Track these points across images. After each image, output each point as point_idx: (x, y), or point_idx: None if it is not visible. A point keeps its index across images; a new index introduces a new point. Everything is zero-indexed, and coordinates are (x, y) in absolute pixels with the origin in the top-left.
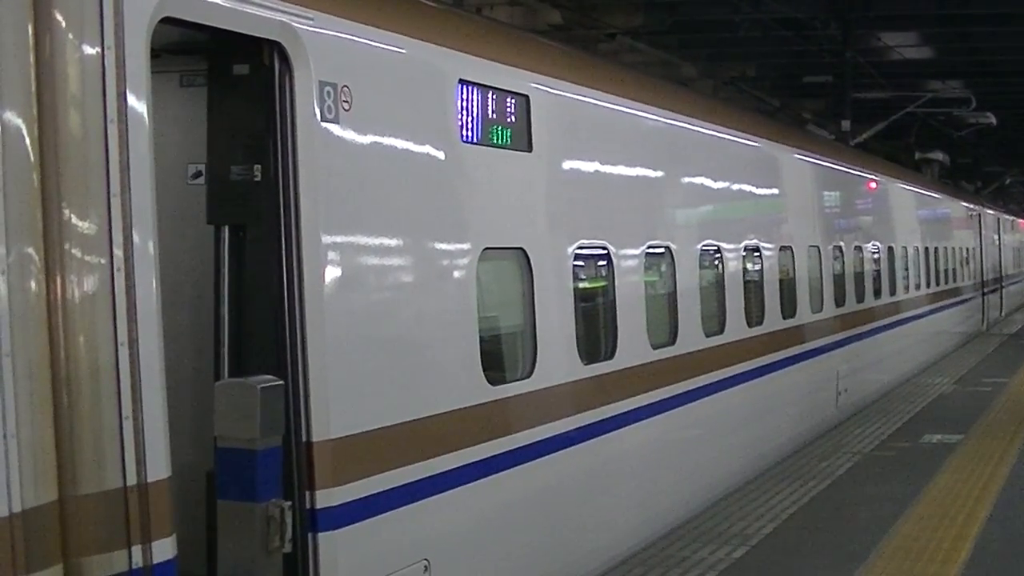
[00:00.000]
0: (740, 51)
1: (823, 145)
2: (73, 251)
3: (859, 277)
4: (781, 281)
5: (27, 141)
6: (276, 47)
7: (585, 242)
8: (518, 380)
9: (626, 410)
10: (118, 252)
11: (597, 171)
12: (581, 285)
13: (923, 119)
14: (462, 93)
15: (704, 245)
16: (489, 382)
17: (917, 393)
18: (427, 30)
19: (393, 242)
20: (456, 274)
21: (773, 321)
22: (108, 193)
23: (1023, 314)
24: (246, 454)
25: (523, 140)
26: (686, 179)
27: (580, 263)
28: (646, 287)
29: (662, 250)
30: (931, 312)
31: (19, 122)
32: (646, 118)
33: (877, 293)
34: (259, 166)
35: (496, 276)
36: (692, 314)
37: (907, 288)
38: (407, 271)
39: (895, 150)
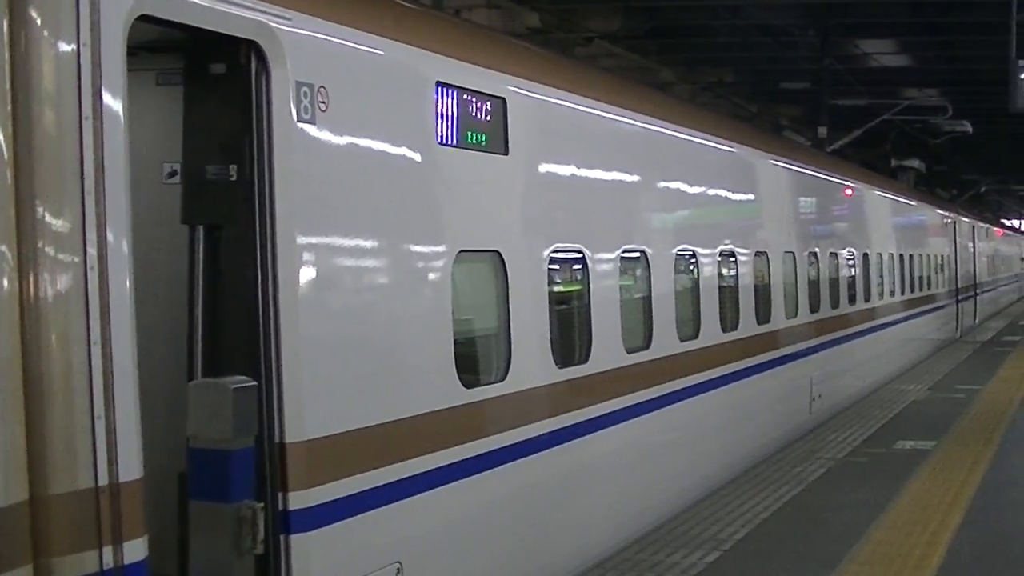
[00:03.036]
0: (718, 56)
1: (799, 151)
2: (46, 249)
3: (834, 283)
4: (756, 287)
5: (0, 138)
6: (253, 47)
7: (560, 246)
8: (492, 383)
9: (600, 414)
10: (92, 251)
11: (573, 175)
12: (556, 289)
13: (899, 126)
14: (439, 95)
15: (679, 250)
16: (463, 385)
17: (891, 399)
18: (405, 32)
19: (368, 243)
20: (431, 276)
21: (748, 326)
22: (82, 191)
23: (997, 322)
24: (219, 455)
25: (499, 143)
26: (662, 183)
27: (555, 267)
28: (621, 291)
29: (637, 255)
30: (906, 319)
31: None
32: (623, 122)
33: (852, 299)
34: (235, 166)
35: (471, 279)
36: (666, 319)
37: (882, 295)
38: (382, 273)
39: (871, 157)
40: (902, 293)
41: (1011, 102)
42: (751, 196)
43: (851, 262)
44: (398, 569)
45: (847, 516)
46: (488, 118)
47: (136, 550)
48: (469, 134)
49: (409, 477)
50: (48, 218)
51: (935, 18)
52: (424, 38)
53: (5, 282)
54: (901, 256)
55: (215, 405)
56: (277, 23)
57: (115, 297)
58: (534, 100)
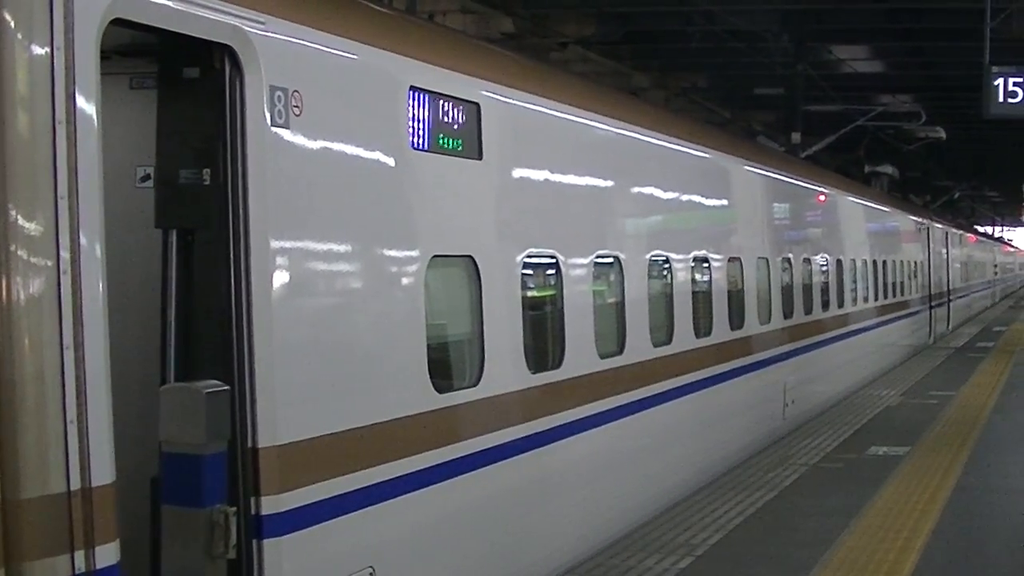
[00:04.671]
0: (692, 62)
1: (773, 157)
2: (19, 253)
3: (807, 289)
4: (729, 292)
5: None
6: (227, 51)
7: (534, 251)
8: (465, 388)
9: (573, 419)
10: (65, 254)
11: (547, 180)
12: (529, 294)
13: (873, 132)
14: (413, 100)
15: (653, 255)
16: (436, 390)
17: (864, 405)
18: (379, 36)
19: (342, 248)
20: (405, 281)
21: (721, 332)
22: (55, 195)
23: (970, 328)
24: (191, 459)
25: (473, 148)
26: (636, 189)
27: (529, 272)
28: (594, 297)
29: (611, 260)
30: (879, 325)
31: None
32: (597, 128)
33: (825, 305)
34: (208, 170)
35: (445, 284)
36: (640, 324)
37: (855, 300)
38: (355, 277)
39: (845, 163)
40: (875, 299)
41: (984, 108)
42: (725, 202)
43: (824, 268)
44: (371, 574)
45: (820, 522)
46: (462, 123)
47: (108, 554)
48: (443, 139)
49: (382, 482)
50: (21, 222)
51: (909, 24)
52: (398, 43)
53: None
54: (875, 262)
55: (188, 409)
56: (251, 27)
57: (88, 301)
58: (508, 105)
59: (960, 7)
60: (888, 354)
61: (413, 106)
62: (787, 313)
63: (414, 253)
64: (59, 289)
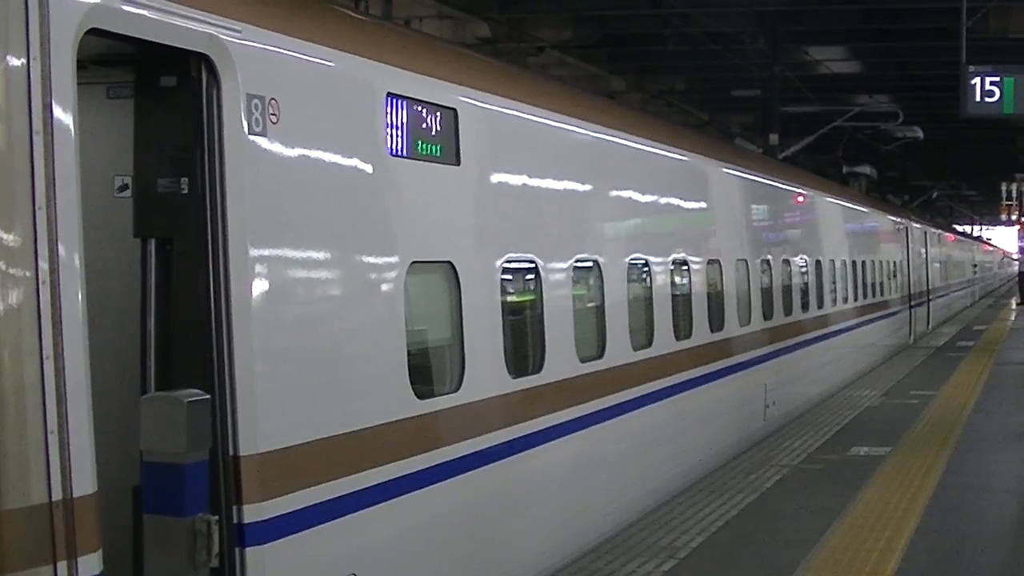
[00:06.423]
0: (669, 65)
1: (751, 159)
2: None
3: (787, 290)
4: (709, 295)
5: None
6: (204, 59)
7: (513, 256)
8: (446, 394)
9: (554, 424)
10: (43, 265)
11: (525, 184)
12: (509, 299)
13: (851, 133)
14: (390, 106)
15: (632, 259)
16: (417, 396)
17: (845, 406)
18: (356, 43)
19: (321, 256)
20: (384, 288)
21: (701, 335)
22: (33, 206)
23: (950, 327)
24: (173, 468)
25: (451, 153)
26: (614, 193)
27: (508, 277)
28: (574, 301)
29: (590, 264)
30: (859, 325)
31: None
32: (574, 132)
33: (805, 306)
34: (186, 179)
35: (424, 290)
36: (620, 328)
37: (835, 301)
38: (335, 285)
39: (823, 164)
40: (855, 299)
41: (961, 108)
42: (703, 204)
43: (804, 269)
44: None
45: (802, 523)
46: (440, 129)
47: (91, 565)
48: (420, 145)
49: (363, 489)
50: None
51: (885, 25)
52: (374, 49)
53: None
54: (854, 263)
55: (169, 419)
56: (227, 36)
57: (67, 311)
58: (486, 110)
59: (936, 7)
60: (869, 354)
61: (390, 112)
62: (767, 315)
63: (393, 259)
64: (38, 299)
